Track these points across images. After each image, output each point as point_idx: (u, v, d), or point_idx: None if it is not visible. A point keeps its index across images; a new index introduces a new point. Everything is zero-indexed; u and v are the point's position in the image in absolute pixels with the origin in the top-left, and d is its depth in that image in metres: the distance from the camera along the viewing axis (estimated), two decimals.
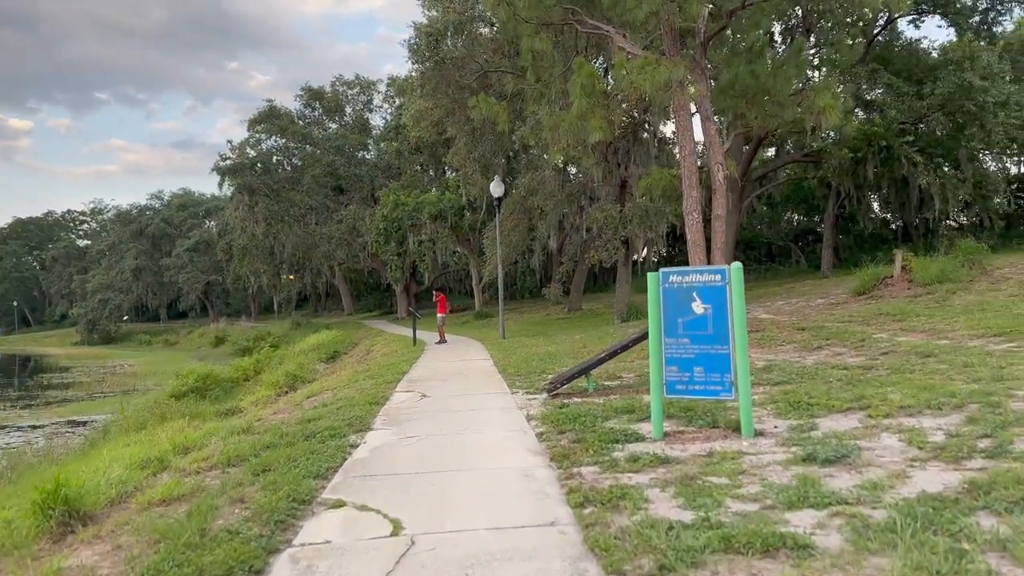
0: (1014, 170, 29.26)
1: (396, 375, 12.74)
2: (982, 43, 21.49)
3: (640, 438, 6.06)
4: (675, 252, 41.91)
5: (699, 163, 17.90)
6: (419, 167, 43.59)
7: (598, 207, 21.92)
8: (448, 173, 40.25)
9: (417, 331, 22.77)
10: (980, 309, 11.70)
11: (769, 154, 35.56)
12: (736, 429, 6.04)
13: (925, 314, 12.24)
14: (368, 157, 47.41)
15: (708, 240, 14.66)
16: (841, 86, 16.56)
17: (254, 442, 7.07)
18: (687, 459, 5.24)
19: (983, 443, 4.82)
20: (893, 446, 5.05)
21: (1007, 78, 21.33)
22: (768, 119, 15.15)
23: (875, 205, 35.35)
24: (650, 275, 6.24)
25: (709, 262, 14.60)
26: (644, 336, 8.76)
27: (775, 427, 6.10)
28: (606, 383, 9.66)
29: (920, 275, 16.25)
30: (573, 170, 31.11)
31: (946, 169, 22.37)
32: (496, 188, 22.18)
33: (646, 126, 22.35)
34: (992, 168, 24.92)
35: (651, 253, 24.05)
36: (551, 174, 24.35)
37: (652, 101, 16.23)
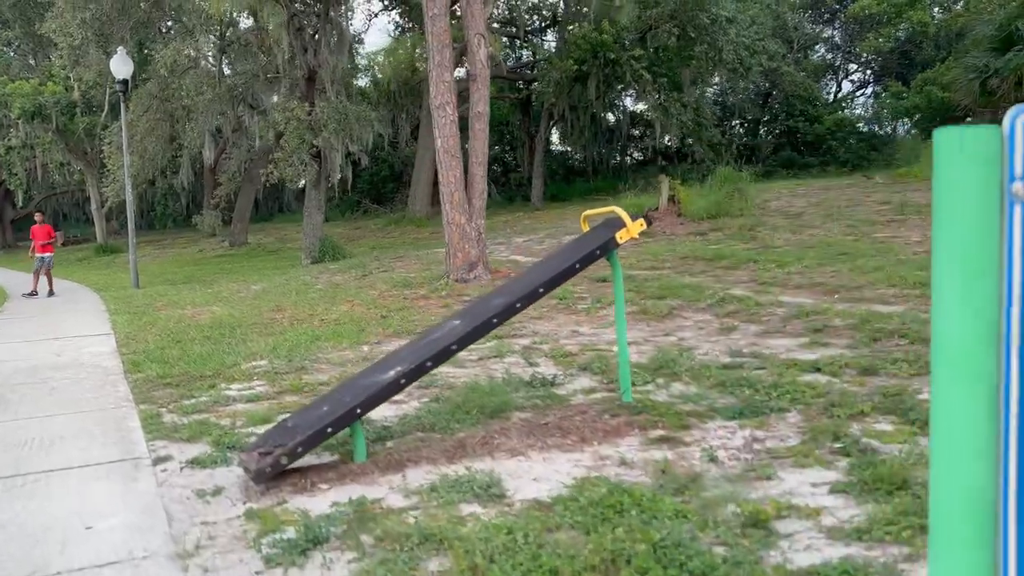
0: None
1: None
2: None
3: None
4: (356, 181, 36.37)
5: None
6: (7, 47, 32.08)
7: (280, 106, 15.95)
8: (54, 60, 29.92)
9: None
10: (837, 254, 8.73)
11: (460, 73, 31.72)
12: None
13: (761, 260, 9.00)
14: None
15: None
16: None
17: None
18: None
19: None
20: None
21: None
22: None
23: (555, 136, 33.64)
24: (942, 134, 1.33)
25: (467, 182, 9.98)
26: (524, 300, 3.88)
27: None
28: (384, 424, 4.59)
29: (688, 208, 13.45)
30: (229, 71, 24.01)
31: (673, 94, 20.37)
32: (120, 65, 15.00)
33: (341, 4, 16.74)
34: (707, 95, 23.94)
35: (345, 172, 18.74)
36: (204, 51, 17.44)
37: None
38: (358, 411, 3.57)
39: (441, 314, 8.30)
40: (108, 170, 22.17)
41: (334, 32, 18.25)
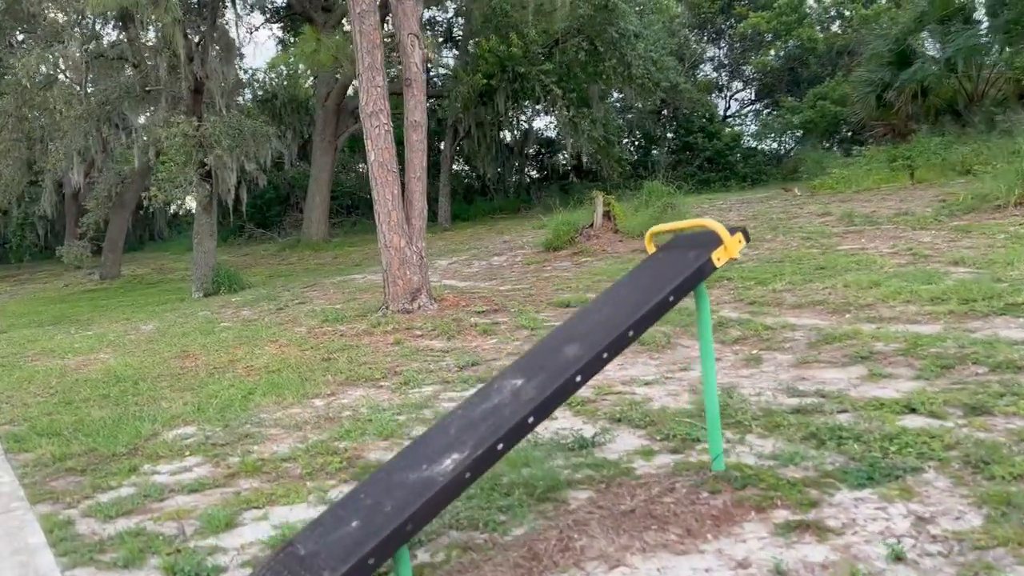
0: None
1: None
2: None
3: None
4: (237, 204, 33.83)
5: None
6: None
7: (162, 120, 14.16)
8: None
9: None
10: (814, 268, 8.20)
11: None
12: None
13: (735, 277, 8.37)
14: None
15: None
16: None
17: None
18: None
19: None
20: None
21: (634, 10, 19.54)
22: None
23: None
24: None
25: (404, 196, 8.85)
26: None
27: None
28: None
29: (624, 224, 12.81)
30: (91, 88, 21.59)
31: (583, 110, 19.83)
32: None
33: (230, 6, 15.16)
34: (614, 112, 23.61)
35: (240, 193, 16.90)
36: (70, 61, 15.27)
37: None
38: (408, 528, 2.44)
39: (393, 352, 7.13)
40: None
41: (216, 44, 16.61)
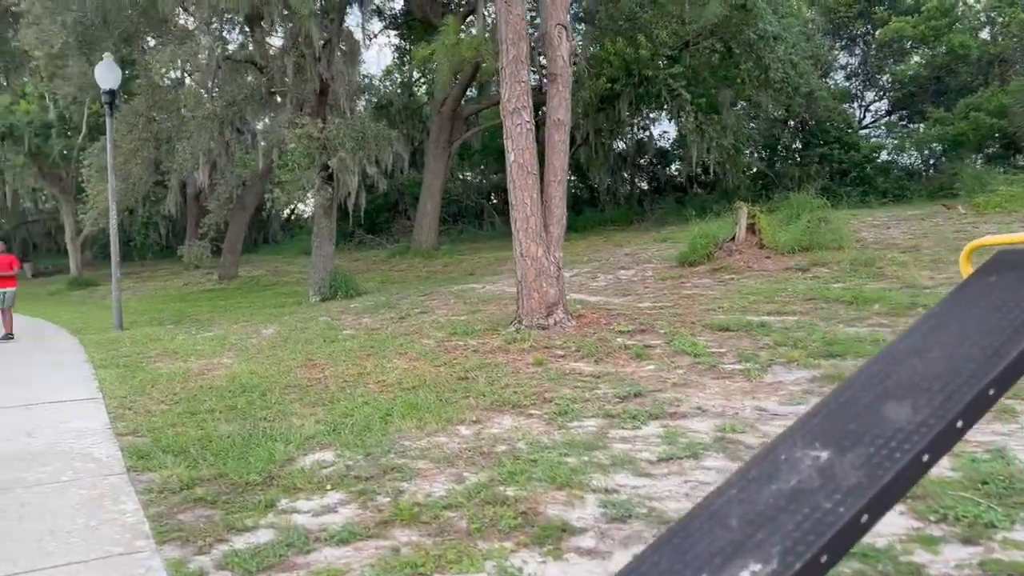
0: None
1: None
2: None
3: None
4: (373, 202, 33.63)
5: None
6: None
7: (288, 123, 13.99)
8: (27, 79, 27.68)
9: None
10: None
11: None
12: None
13: (930, 304, 7.20)
14: None
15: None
16: None
17: None
18: None
19: None
20: None
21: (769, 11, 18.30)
22: None
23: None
24: None
25: (543, 200, 8.10)
26: None
27: None
28: None
29: (769, 238, 11.68)
30: (216, 93, 21.93)
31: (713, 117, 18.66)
32: (107, 73, 13.06)
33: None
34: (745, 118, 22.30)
35: (359, 198, 16.71)
36: (199, 61, 15.29)
37: None
38: None
39: (537, 374, 6.37)
40: (86, 195, 20.12)
41: (343, 43, 16.44)
